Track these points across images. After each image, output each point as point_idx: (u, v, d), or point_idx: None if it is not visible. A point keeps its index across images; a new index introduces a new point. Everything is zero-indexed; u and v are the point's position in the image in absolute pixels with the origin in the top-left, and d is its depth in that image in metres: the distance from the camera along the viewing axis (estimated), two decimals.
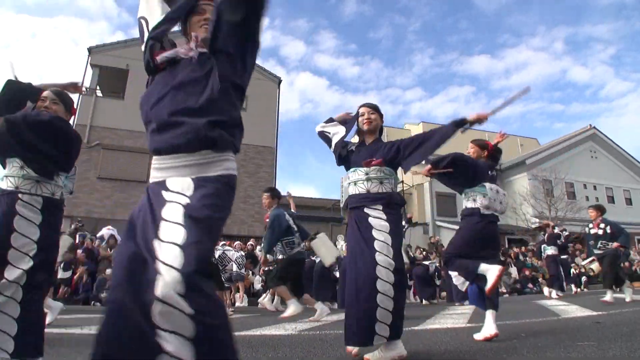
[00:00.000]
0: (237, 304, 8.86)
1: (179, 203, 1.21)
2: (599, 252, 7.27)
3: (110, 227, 10.99)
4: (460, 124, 2.88)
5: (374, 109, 3.02)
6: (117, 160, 16.46)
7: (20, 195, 2.30)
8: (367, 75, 74.35)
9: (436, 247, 13.43)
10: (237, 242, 10.79)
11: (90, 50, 17.99)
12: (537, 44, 65.54)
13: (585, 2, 63.69)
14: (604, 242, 7.17)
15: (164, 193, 1.26)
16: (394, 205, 2.76)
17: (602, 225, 7.22)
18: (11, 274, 2.15)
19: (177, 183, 1.28)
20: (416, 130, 26.62)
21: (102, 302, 8.24)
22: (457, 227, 4.26)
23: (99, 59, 18.03)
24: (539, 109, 72.90)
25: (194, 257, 1.08)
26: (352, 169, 2.89)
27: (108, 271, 8.81)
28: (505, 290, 11.72)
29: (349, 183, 2.89)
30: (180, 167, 1.31)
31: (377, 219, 2.66)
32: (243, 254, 9.45)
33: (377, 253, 2.54)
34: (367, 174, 2.77)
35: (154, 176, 1.37)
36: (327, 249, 5.84)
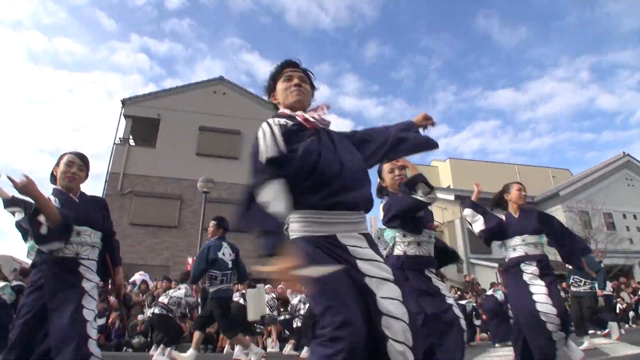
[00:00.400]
0: (268, 350, 8.67)
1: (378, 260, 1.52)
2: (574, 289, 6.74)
3: (142, 272, 11.12)
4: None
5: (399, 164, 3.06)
6: (149, 207, 16.81)
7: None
8: (391, 115, 75.13)
9: (472, 285, 12.98)
10: (267, 285, 10.69)
11: (123, 102, 18.85)
12: (562, 75, 65.12)
13: (606, 30, 63.41)
14: (577, 277, 6.67)
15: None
16: (434, 265, 2.90)
17: None
18: None
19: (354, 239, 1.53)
20: (443, 167, 26.39)
21: (134, 347, 8.22)
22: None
23: (132, 109, 18.84)
24: (569, 139, 71.48)
25: None
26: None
27: (140, 317, 8.84)
28: None
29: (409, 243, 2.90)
30: (353, 223, 1.55)
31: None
32: (274, 296, 9.32)
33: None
34: (430, 236, 2.89)
35: (315, 230, 1.49)
36: (256, 304, 5.52)
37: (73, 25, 65.05)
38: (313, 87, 1.84)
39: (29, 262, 2.76)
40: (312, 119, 1.65)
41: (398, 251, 2.82)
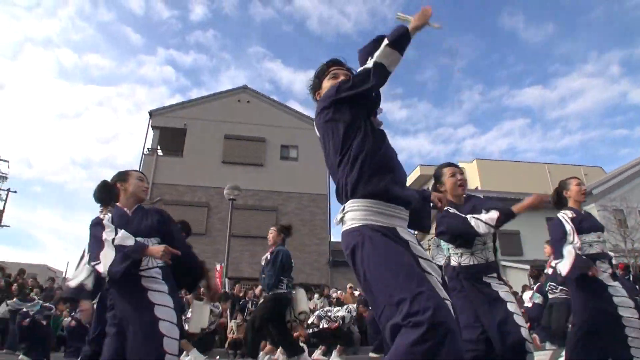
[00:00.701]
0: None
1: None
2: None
3: None
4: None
5: (460, 168, 2.93)
6: (177, 215, 16.90)
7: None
8: (415, 117, 74.47)
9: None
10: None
11: (151, 113, 19.32)
12: (591, 70, 63.32)
13: (635, 22, 61.27)
14: (552, 284, 6.04)
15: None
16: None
17: (554, 264, 5.45)
18: None
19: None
20: (470, 168, 25.93)
21: None
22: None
23: (159, 120, 19.27)
24: (600, 136, 69.33)
25: None
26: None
27: None
28: None
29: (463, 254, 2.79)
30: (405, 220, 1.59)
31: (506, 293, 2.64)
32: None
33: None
34: (484, 242, 2.74)
35: (378, 220, 1.50)
36: (200, 317, 5.41)
37: (101, 41, 67.29)
38: None
39: (63, 270, 2.85)
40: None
41: (453, 262, 2.73)
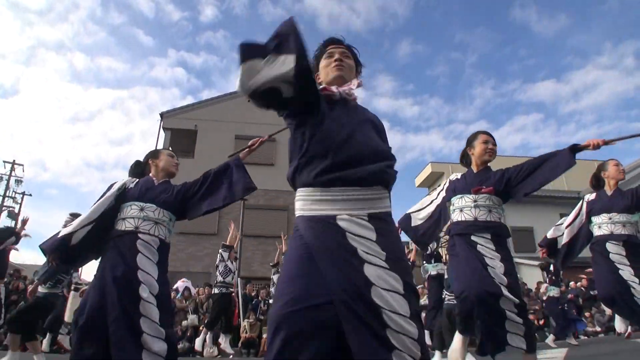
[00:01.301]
0: None
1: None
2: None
3: (184, 279, 11.41)
4: (575, 150, 2.63)
5: (494, 139, 2.96)
6: None
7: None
8: (427, 114, 74.01)
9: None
10: None
11: (162, 115, 19.48)
12: (605, 62, 62.42)
13: None
14: None
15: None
16: (503, 235, 2.69)
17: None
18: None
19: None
20: None
21: (179, 352, 8.42)
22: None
23: (170, 122, 19.44)
24: (616, 129, 68.59)
25: None
26: (458, 196, 2.83)
27: (184, 322, 9.07)
28: (599, 329, 10.61)
29: (454, 209, 2.83)
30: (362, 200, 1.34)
31: (485, 247, 2.58)
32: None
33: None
34: (475, 201, 2.71)
35: (312, 209, 1.35)
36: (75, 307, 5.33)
37: (113, 44, 67.99)
38: (359, 64, 1.71)
39: (78, 272, 2.92)
40: (334, 89, 1.52)
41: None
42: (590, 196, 3.49)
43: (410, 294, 1.22)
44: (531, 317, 9.42)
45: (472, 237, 2.62)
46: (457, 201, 2.81)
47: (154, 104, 67.20)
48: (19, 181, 24.73)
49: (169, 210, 2.75)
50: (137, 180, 2.87)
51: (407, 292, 1.22)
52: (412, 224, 3.10)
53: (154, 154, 3.05)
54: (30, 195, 25.65)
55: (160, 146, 19.08)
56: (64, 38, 67.00)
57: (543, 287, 9.18)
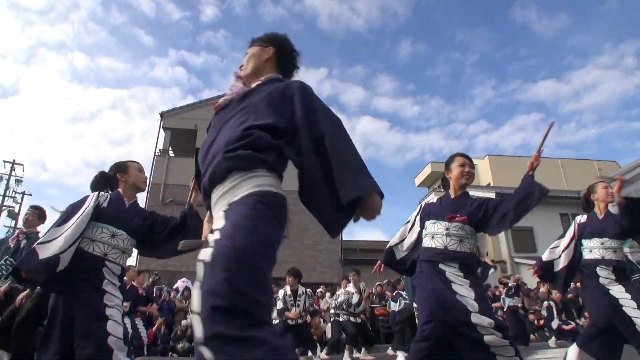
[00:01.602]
0: None
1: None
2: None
3: (185, 279, 11.39)
4: (532, 177, 2.61)
5: (472, 162, 2.89)
6: None
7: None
8: (428, 113, 73.78)
9: (518, 285, 12.53)
10: (308, 290, 10.72)
11: (162, 115, 19.48)
12: (606, 62, 62.34)
13: None
14: None
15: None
16: (471, 265, 2.61)
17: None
18: None
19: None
20: (482, 164, 25.66)
21: (179, 352, 8.43)
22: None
23: (170, 122, 19.43)
24: (616, 129, 68.37)
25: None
26: (432, 221, 2.76)
27: (184, 322, 9.07)
28: None
29: (426, 234, 2.77)
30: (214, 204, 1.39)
31: (453, 275, 2.51)
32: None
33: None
34: (447, 229, 2.64)
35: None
36: None
37: (113, 44, 68.00)
38: (266, 46, 1.73)
39: None
40: (219, 101, 1.71)
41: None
42: (581, 218, 3.51)
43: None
44: (531, 317, 9.43)
45: (440, 265, 2.56)
46: (430, 226, 2.74)
47: (154, 103, 67.37)
48: (19, 181, 24.77)
49: (136, 238, 2.72)
50: (109, 196, 2.70)
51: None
52: (398, 257, 3.03)
53: (121, 168, 2.84)
54: (30, 195, 25.70)
55: (160, 146, 19.08)
56: (64, 38, 67.01)
57: (543, 288, 9.23)
